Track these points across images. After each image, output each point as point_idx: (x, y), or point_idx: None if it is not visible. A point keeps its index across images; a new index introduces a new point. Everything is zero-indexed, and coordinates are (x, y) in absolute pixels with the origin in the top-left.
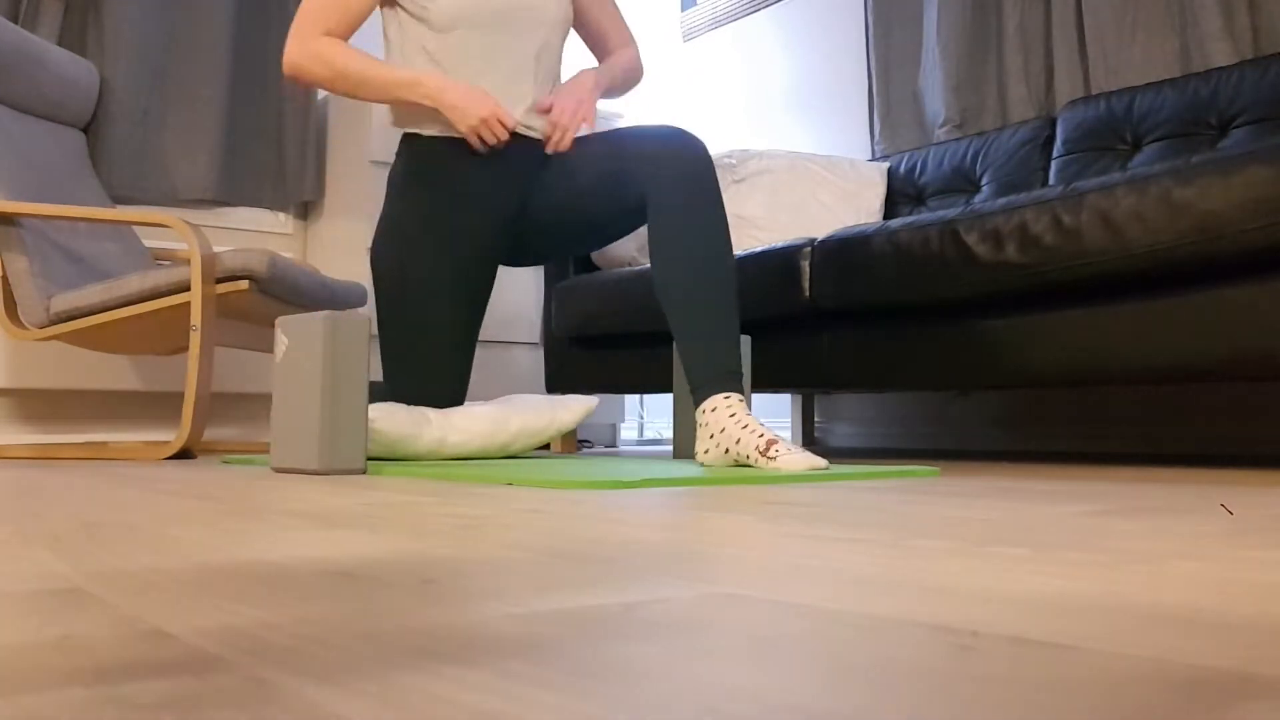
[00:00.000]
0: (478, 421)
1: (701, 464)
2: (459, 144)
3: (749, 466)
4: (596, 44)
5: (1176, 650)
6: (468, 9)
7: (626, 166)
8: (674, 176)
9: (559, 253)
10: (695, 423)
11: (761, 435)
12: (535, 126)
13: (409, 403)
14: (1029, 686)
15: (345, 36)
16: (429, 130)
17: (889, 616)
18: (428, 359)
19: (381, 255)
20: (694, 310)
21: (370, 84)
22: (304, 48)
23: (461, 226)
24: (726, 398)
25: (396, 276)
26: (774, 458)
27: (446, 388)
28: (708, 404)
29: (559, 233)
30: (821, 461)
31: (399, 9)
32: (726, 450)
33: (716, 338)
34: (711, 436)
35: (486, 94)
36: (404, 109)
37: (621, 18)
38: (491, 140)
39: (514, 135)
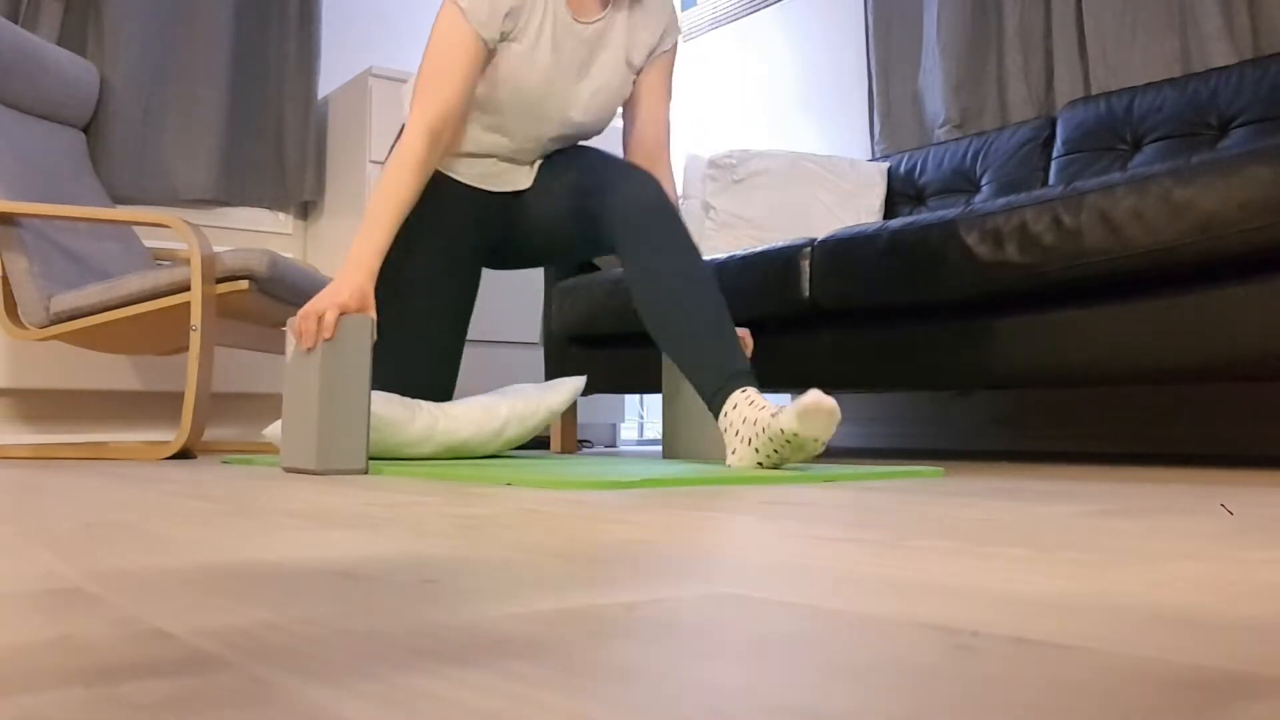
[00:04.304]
0: (469, 410)
1: (730, 466)
2: (450, 181)
3: (774, 456)
4: (631, 132)
5: (1176, 650)
6: (509, 93)
7: (591, 207)
8: (638, 216)
9: (543, 261)
10: (714, 431)
11: (773, 408)
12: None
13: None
14: (1029, 686)
15: (462, 104)
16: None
17: (888, 616)
18: (412, 355)
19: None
20: (688, 329)
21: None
22: (402, 140)
23: (449, 236)
24: (744, 391)
25: (389, 277)
26: (776, 414)
27: (431, 384)
28: (728, 404)
29: (542, 246)
30: (830, 400)
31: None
32: (749, 440)
33: (715, 341)
34: (738, 434)
35: (339, 293)
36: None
37: (668, 123)
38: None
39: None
